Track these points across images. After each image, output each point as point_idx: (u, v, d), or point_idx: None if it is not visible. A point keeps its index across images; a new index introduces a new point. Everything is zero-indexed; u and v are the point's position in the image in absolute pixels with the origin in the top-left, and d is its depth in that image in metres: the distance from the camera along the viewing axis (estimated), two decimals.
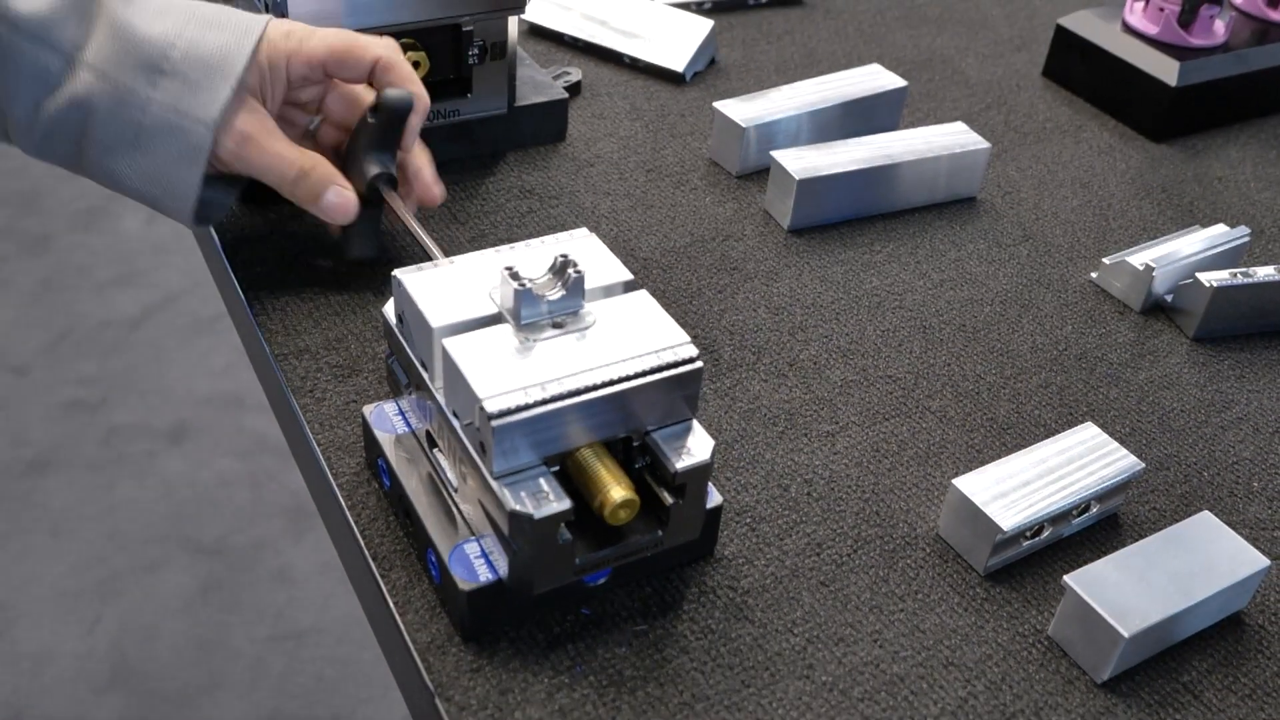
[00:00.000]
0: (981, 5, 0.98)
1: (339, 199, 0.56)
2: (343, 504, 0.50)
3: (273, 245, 0.63)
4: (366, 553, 0.48)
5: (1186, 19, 0.81)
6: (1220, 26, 0.83)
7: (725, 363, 0.59)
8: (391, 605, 0.46)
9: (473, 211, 0.67)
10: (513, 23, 0.68)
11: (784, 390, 0.57)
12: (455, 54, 0.67)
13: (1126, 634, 0.43)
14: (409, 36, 0.65)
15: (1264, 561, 0.47)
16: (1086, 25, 0.85)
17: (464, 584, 0.43)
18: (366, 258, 0.60)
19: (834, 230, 0.69)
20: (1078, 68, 0.85)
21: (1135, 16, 0.83)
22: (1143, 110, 0.81)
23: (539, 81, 0.74)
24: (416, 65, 0.65)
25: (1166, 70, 0.79)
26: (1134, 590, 0.45)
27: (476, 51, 0.67)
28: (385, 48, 0.58)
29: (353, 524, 0.49)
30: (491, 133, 0.71)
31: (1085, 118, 0.83)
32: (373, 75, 0.58)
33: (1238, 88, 0.82)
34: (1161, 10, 0.81)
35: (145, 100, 0.52)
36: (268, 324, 0.58)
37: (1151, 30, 0.82)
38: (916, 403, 0.58)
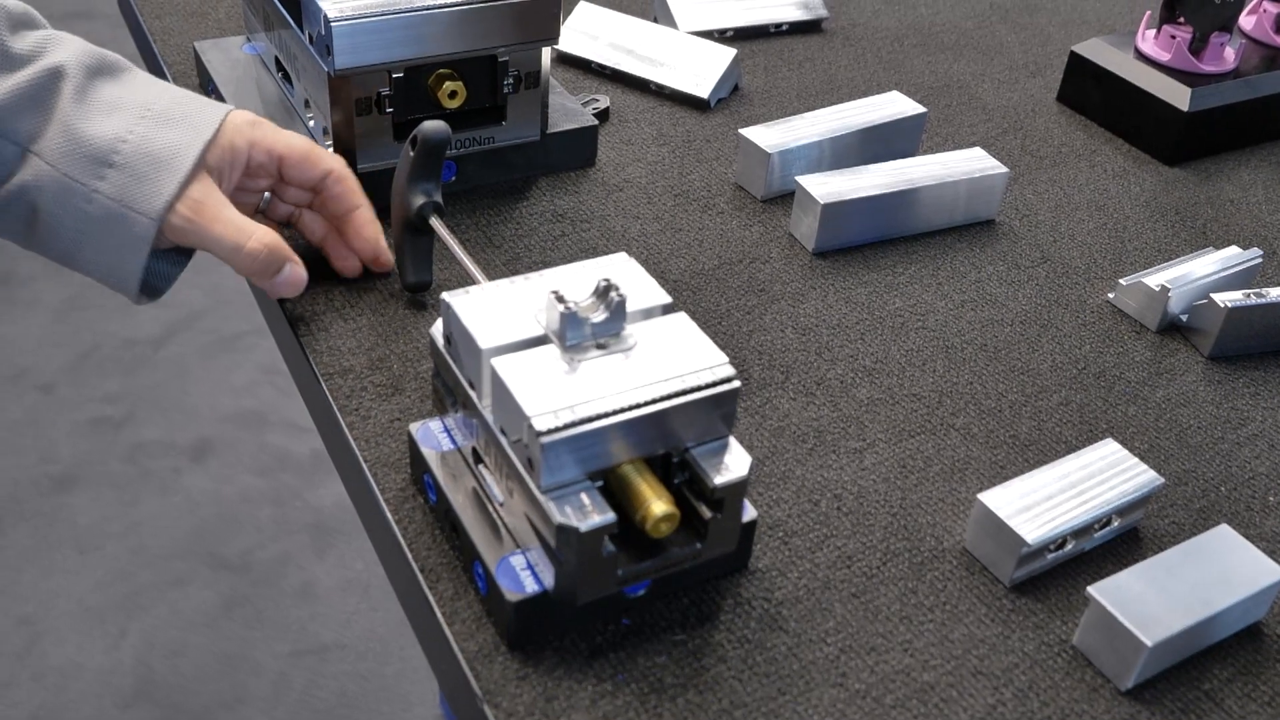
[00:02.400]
0: (996, 33, 1.01)
1: (294, 275, 0.59)
2: (389, 518, 0.52)
3: (315, 269, 0.65)
4: (414, 565, 0.49)
5: (1198, 46, 0.83)
6: (1230, 53, 0.85)
7: (755, 382, 0.61)
8: (439, 615, 0.47)
9: (507, 235, 0.69)
10: (545, 53, 0.70)
11: (812, 408, 0.59)
12: (491, 83, 0.69)
13: (1150, 643, 0.45)
14: (448, 67, 0.67)
15: (1278, 573, 0.49)
16: (1100, 52, 0.87)
17: (511, 595, 0.45)
18: (422, 283, 0.63)
19: (857, 253, 0.71)
20: (1092, 93, 0.87)
21: (1147, 44, 0.85)
22: (1156, 135, 0.83)
23: (569, 109, 0.76)
24: (454, 95, 0.67)
25: (1179, 96, 0.81)
26: (1156, 600, 0.47)
27: (511, 81, 0.69)
28: (338, 162, 0.62)
29: (399, 537, 0.51)
30: (524, 159, 0.73)
31: (1100, 142, 0.85)
32: (323, 184, 0.62)
33: (1248, 113, 0.84)
34: (1173, 38, 0.84)
35: (91, 191, 0.55)
36: (312, 344, 0.60)
37: (1163, 57, 0.84)
38: (941, 420, 0.59)
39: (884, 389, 0.61)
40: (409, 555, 0.50)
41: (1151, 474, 0.53)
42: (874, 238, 0.72)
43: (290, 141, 0.61)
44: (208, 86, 0.79)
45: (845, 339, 0.64)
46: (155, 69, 0.87)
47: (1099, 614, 0.47)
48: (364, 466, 0.54)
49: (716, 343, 0.61)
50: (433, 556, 0.50)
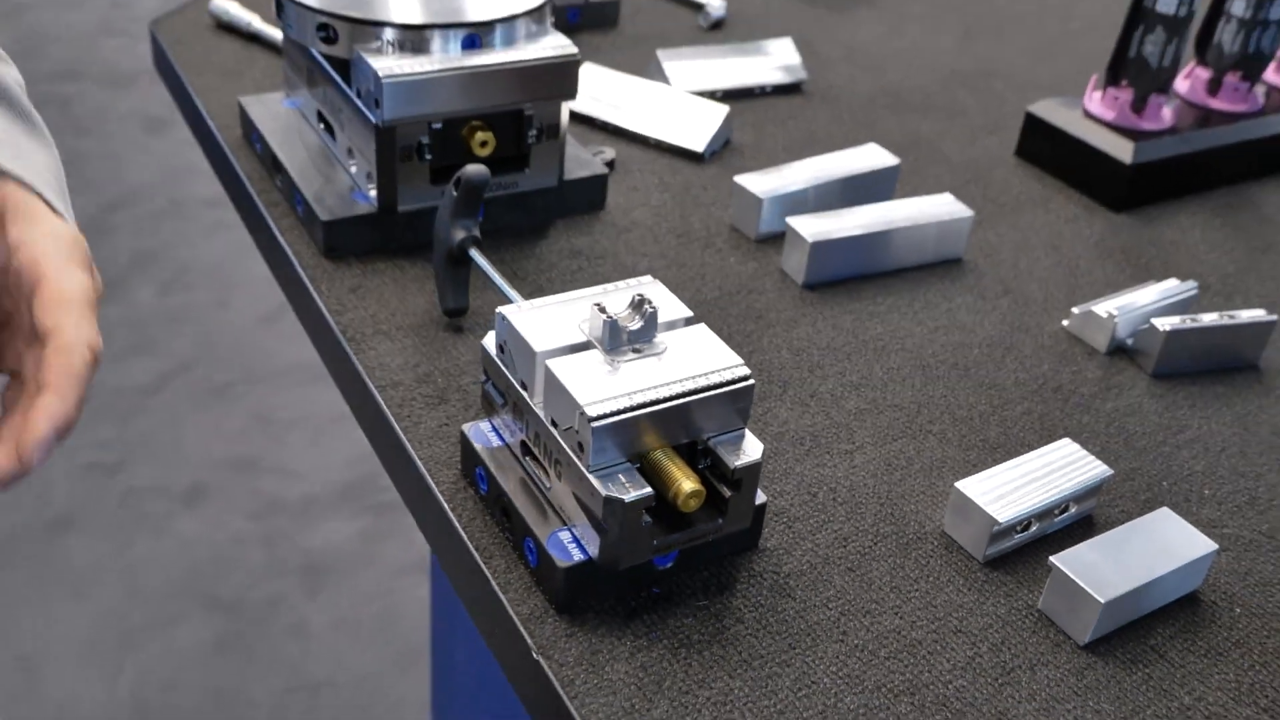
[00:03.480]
0: (958, 96, 1.11)
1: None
2: (445, 506, 0.59)
3: (365, 295, 0.73)
4: (469, 545, 0.57)
5: (1138, 106, 0.93)
6: (1168, 113, 0.95)
7: (757, 395, 0.69)
8: (495, 586, 0.55)
9: (530, 269, 0.78)
10: (564, 108, 0.79)
11: (807, 417, 0.68)
12: (517, 135, 0.78)
13: (1103, 600, 0.53)
14: (480, 119, 0.76)
15: (1212, 546, 0.57)
16: (1052, 112, 0.97)
17: (561, 562, 0.53)
18: (460, 308, 0.70)
19: (842, 285, 0.80)
20: (1046, 149, 0.97)
21: (1094, 104, 0.96)
22: (1104, 185, 0.93)
23: (582, 158, 0.85)
24: (484, 144, 0.76)
25: (1123, 150, 0.91)
26: (1107, 567, 0.55)
27: (535, 133, 0.78)
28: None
29: (455, 522, 0.58)
30: (544, 202, 0.82)
31: (1053, 191, 0.95)
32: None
33: (1185, 165, 0.94)
34: (1116, 99, 0.94)
35: None
36: (364, 362, 0.68)
37: (1109, 116, 0.94)
38: (919, 427, 0.68)
39: (869, 401, 0.69)
40: (464, 537, 0.57)
41: (1102, 466, 0.62)
42: (856, 273, 0.81)
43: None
44: (252, 137, 0.87)
45: (834, 359, 0.73)
46: (198, 122, 0.95)
47: (1060, 579, 0.55)
48: (419, 464, 0.61)
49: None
50: (485, 538, 0.57)
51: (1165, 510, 0.59)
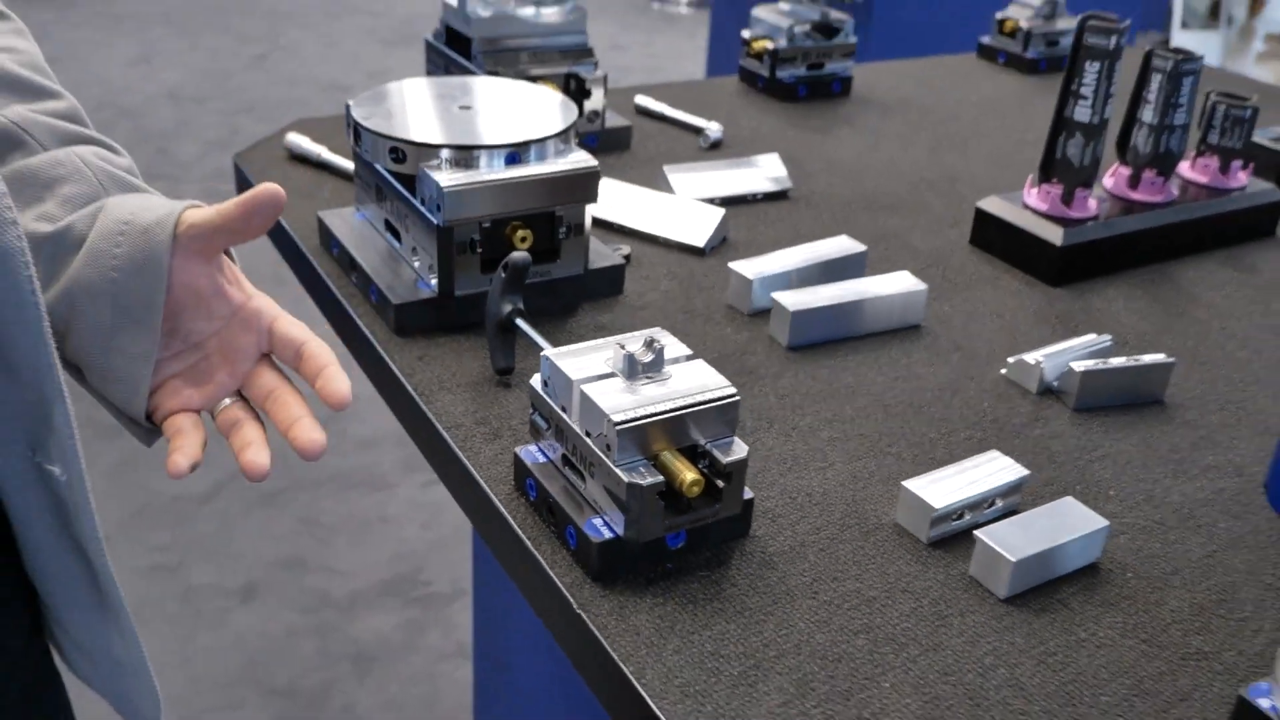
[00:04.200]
0: (925, 198, 1.29)
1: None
2: (503, 510, 0.75)
3: (430, 361, 0.90)
4: (523, 536, 0.73)
5: (1067, 199, 1.12)
6: (1093, 203, 1.13)
7: (748, 428, 0.85)
8: (544, 563, 0.71)
9: (561, 340, 0.95)
10: (588, 210, 0.97)
11: (789, 444, 0.84)
12: (550, 232, 0.96)
13: (1014, 559, 0.69)
14: (520, 219, 0.94)
15: (1104, 522, 0.73)
16: (997, 206, 1.15)
17: (595, 540, 0.69)
18: (508, 368, 0.88)
19: (819, 347, 0.97)
20: (993, 237, 1.15)
21: (1031, 198, 1.14)
22: (1040, 265, 1.10)
23: (604, 252, 1.03)
24: (524, 239, 0.94)
25: (1054, 235, 1.09)
26: (1020, 537, 0.71)
27: (564, 230, 0.96)
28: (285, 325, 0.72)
29: (510, 520, 0.74)
30: (572, 288, 1.00)
31: (1000, 272, 1.13)
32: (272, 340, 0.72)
33: (1109, 246, 1.12)
34: (1049, 193, 1.12)
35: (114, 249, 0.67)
36: (433, 411, 0.85)
37: (1043, 207, 1.12)
38: (880, 450, 0.84)
39: (839, 432, 0.86)
40: (518, 531, 0.73)
41: (1023, 470, 0.78)
42: (831, 337, 0.98)
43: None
44: (330, 244, 1.06)
45: (811, 402, 0.89)
46: (281, 235, 1.14)
47: (982, 547, 0.71)
48: (482, 484, 0.78)
49: None
50: (534, 532, 0.73)
51: (1069, 499, 0.75)
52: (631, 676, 0.63)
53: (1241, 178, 1.23)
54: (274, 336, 0.72)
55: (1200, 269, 1.17)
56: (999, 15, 1.83)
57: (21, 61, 0.73)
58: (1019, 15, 1.79)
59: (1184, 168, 1.25)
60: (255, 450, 0.69)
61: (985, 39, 1.86)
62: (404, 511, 2.39)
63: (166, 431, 0.71)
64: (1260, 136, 1.37)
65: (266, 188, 0.67)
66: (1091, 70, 1.07)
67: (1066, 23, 1.81)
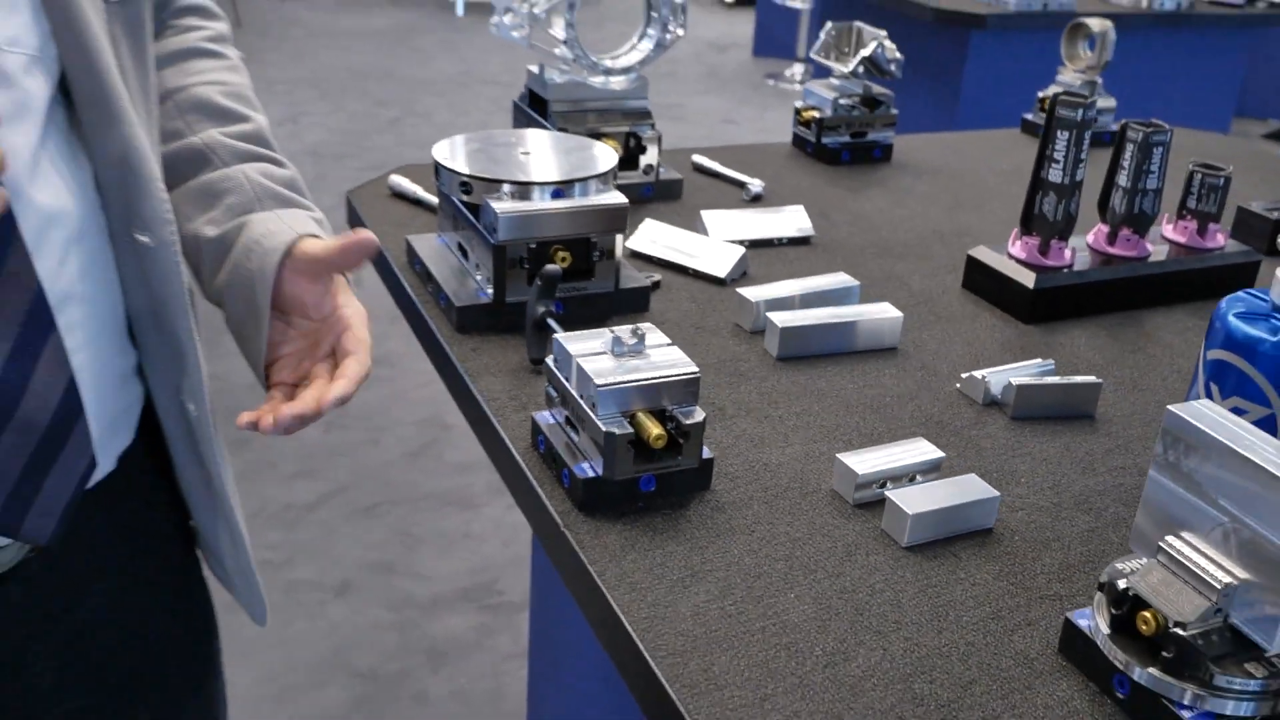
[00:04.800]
0: (933, 248, 1.47)
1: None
2: (518, 459, 0.95)
3: (481, 352, 1.11)
4: (530, 476, 0.93)
5: (1043, 249, 1.28)
6: (1068, 254, 1.29)
7: (728, 414, 1.04)
8: (543, 496, 0.91)
9: None
10: (618, 239, 1.18)
11: (760, 429, 1.03)
12: (586, 254, 1.17)
13: (910, 513, 0.86)
14: (561, 243, 1.15)
15: (995, 493, 0.90)
16: (985, 254, 1.32)
17: (580, 477, 0.88)
18: (540, 359, 1.08)
19: (803, 360, 1.15)
20: (981, 280, 1.32)
21: (1014, 248, 1.31)
22: (1015, 304, 1.27)
23: (635, 276, 1.24)
24: (564, 259, 1.15)
25: (1027, 279, 1.26)
26: (920, 498, 0.88)
27: (598, 253, 1.17)
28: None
29: (522, 465, 0.94)
30: (603, 303, 1.20)
31: (983, 310, 1.30)
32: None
33: (1081, 292, 1.28)
34: (1028, 243, 1.29)
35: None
36: (478, 389, 1.06)
37: (1022, 256, 1.29)
38: (835, 438, 1.02)
39: (805, 423, 1.04)
40: (527, 472, 0.94)
41: (939, 452, 0.95)
42: (814, 352, 1.16)
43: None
44: (414, 262, 1.29)
45: (787, 400, 1.08)
46: (379, 257, 1.37)
47: (890, 504, 0.88)
48: (505, 440, 0.98)
49: (720, 399, 1.06)
50: (541, 476, 0.93)
51: (972, 475, 0.92)
52: (595, 575, 0.82)
53: (1219, 239, 1.38)
54: (338, 343, 0.90)
55: (1169, 317, 1.32)
56: (1040, 94, 1.99)
57: (225, 92, 0.96)
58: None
59: (1167, 229, 1.40)
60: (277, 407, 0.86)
61: (1028, 115, 2.03)
62: (487, 529, 2.61)
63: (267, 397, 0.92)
64: (1256, 205, 1.52)
65: (364, 236, 0.86)
66: (1062, 138, 1.24)
67: (1105, 102, 1.97)
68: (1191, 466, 0.71)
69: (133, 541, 0.95)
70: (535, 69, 1.54)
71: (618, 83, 1.53)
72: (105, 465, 0.86)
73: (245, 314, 0.89)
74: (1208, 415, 0.71)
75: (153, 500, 0.96)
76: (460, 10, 8.14)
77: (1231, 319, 0.89)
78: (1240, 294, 0.91)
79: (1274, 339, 0.86)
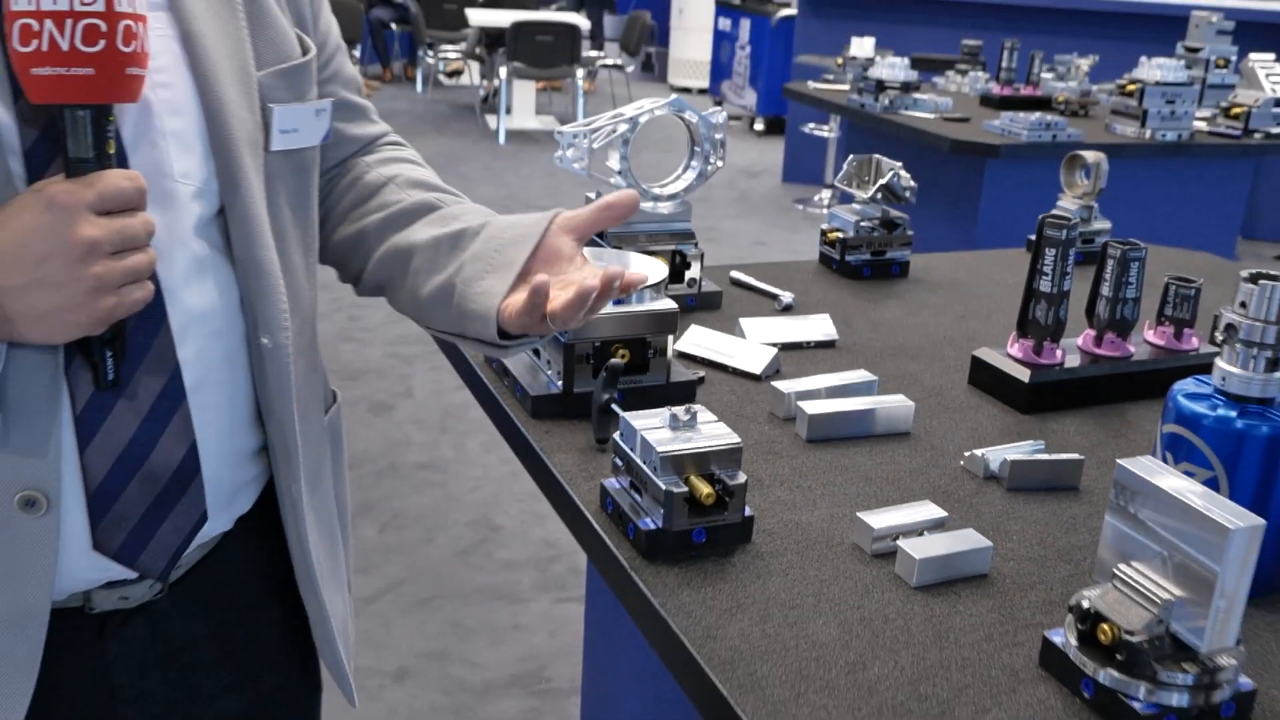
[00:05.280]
0: (944, 351, 1.67)
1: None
2: (590, 520, 1.14)
3: (553, 434, 1.31)
4: (602, 535, 1.12)
5: (1038, 350, 1.48)
6: (1060, 354, 1.49)
7: (765, 484, 1.23)
8: (613, 548, 1.09)
9: None
10: (669, 339, 1.39)
11: (793, 496, 1.21)
12: (642, 351, 1.38)
13: (918, 557, 1.04)
14: (620, 342, 1.36)
15: (989, 544, 1.08)
16: (988, 355, 1.52)
17: (644, 529, 1.07)
18: (605, 438, 1.28)
19: (830, 442, 1.34)
20: (984, 377, 1.52)
21: (1012, 348, 1.51)
22: (1014, 397, 1.46)
23: (683, 372, 1.44)
24: (623, 356, 1.36)
25: (1023, 375, 1.45)
26: (927, 546, 1.06)
27: (651, 351, 1.38)
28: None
29: (595, 525, 1.13)
30: (657, 394, 1.40)
31: (986, 403, 1.49)
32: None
33: (1072, 387, 1.47)
34: (1024, 345, 1.49)
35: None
36: (552, 464, 1.26)
37: (1019, 355, 1.49)
38: (856, 503, 1.20)
39: (830, 491, 1.23)
40: (600, 532, 1.12)
41: (943, 512, 1.13)
42: (838, 435, 1.35)
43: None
44: (492, 361, 1.50)
45: (815, 473, 1.26)
46: (460, 357, 1.58)
47: (901, 551, 1.06)
48: (578, 503, 1.18)
49: (760, 471, 1.25)
50: (610, 531, 1.12)
51: (970, 529, 1.10)
52: (657, 606, 1.01)
53: (1194, 341, 1.57)
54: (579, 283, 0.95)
55: (1149, 409, 1.50)
56: (1041, 216, 2.21)
57: (430, 179, 1.20)
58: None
59: (1148, 333, 1.59)
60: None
61: (1031, 235, 2.24)
62: (535, 621, 2.77)
63: (514, 325, 1.00)
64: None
65: (628, 193, 1.01)
66: (1050, 254, 1.45)
67: (1101, 224, 2.18)
68: (1136, 508, 0.89)
69: (246, 597, 1.14)
70: (593, 195, 1.77)
71: (665, 207, 1.76)
72: (221, 524, 1.05)
73: (482, 274, 1.03)
74: (1147, 467, 0.90)
75: (268, 565, 1.15)
76: (502, 139, 8.56)
77: (1181, 399, 1.08)
78: (1189, 379, 1.10)
79: (1214, 414, 1.05)
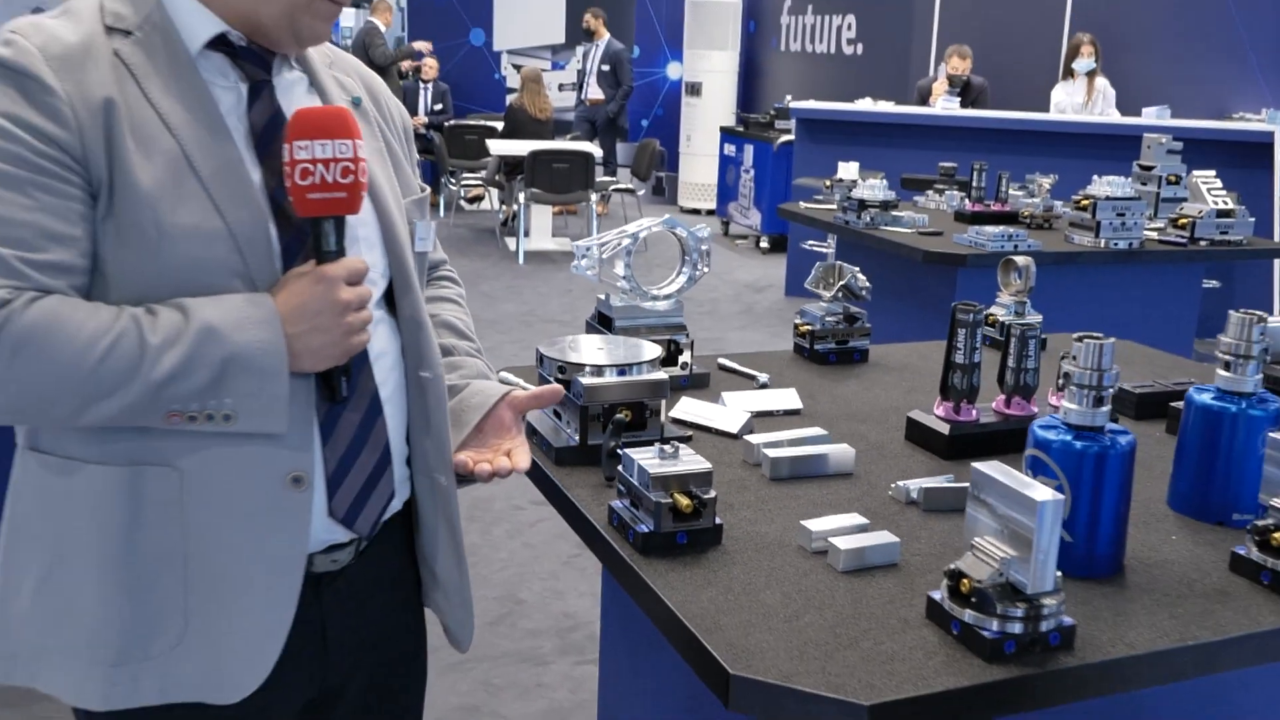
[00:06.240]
0: (889, 416, 2.05)
1: None
2: (600, 530, 1.52)
3: (572, 475, 1.69)
4: (609, 539, 1.49)
5: (956, 409, 1.86)
6: (975, 413, 1.86)
7: (736, 508, 1.60)
8: (616, 548, 1.46)
9: None
10: (663, 403, 1.77)
11: (755, 514, 1.58)
12: (641, 412, 1.76)
13: (844, 549, 1.41)
14: (624, 405, 1.74)
15: (897, 539, 1.44)
16: (918, 415, 1.90)
17: (640, 531, 1.44)
18: (611, 476, 1.66)
19: (788, 479, 1.72)
20: (915, 432, 1.89)
21: (938, 410, 1.88)
22: (937, 447, 1.84)
23: (675, 431, 1.82)
24: (626, 415, 1.74)
25: (943, 429, 1.83)
26: (851, 542, 1.43)
27: (649, 412, 1.76)
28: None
29: (603, 533, 1.51)
30: None
31: (917, 452, 1.86)
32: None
33: (985, 438, 1.84)
34: (945, 405, 1.87)
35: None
36: (572, 495, 1.63)
37: (941, 414, 1.87)
38: (805, 519, 1.57)
39: (785, 511, 1.59)
40: (606, 537, 1.50)
41: (867, 520, 1.50)
42: (795, 475, 1.72)
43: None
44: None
45: (775, 500, 1.63)
46: None
47: (831, 547, 1.43)
48: (592, 520, 1.55)
49: (721, 492, 1.62)
50: (615, 537, 1.49)
51: (885, 531, 1.47)
52: (651, 584, 1.37)
53: None
54: (512, 447, 1.49)
55: None
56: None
57: (462, 323, 1.63)
58: (997, 311, 2.57)
59: (1051, 397, 1.97)
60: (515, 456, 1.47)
61: None
62: (557, 680, 3.09)
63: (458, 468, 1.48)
64: (1127, 385, 2.09)
65: (554, 388, 1.52)
66: (962, 333, 1.84)
67: (1033, 317, 2.57)
68: (985, 497, 1.27)
69: (401, 571, 1.51)
70: (603, 296, 2.18)
71: (662, 305, 2.16)
72: (396, 504, 1.44)
73: (463, 414, 1.49)
74: (991, 468, 1.27)
75: (409, 550, 1.53)
76: (521, 260, 9.07)
77: (1037, 430, 1.46)
78: (1046, 418, 1.48)
79: (1059, 439, 1.43)
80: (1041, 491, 1.21)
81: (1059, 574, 1.24)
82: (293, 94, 1.34)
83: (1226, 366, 1.59)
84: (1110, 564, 1.44)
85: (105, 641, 1.26)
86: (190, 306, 1.19)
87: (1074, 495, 1.42)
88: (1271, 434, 1.44)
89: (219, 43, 1.25)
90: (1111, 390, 1.43)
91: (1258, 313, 1.58)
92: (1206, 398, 1.60)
